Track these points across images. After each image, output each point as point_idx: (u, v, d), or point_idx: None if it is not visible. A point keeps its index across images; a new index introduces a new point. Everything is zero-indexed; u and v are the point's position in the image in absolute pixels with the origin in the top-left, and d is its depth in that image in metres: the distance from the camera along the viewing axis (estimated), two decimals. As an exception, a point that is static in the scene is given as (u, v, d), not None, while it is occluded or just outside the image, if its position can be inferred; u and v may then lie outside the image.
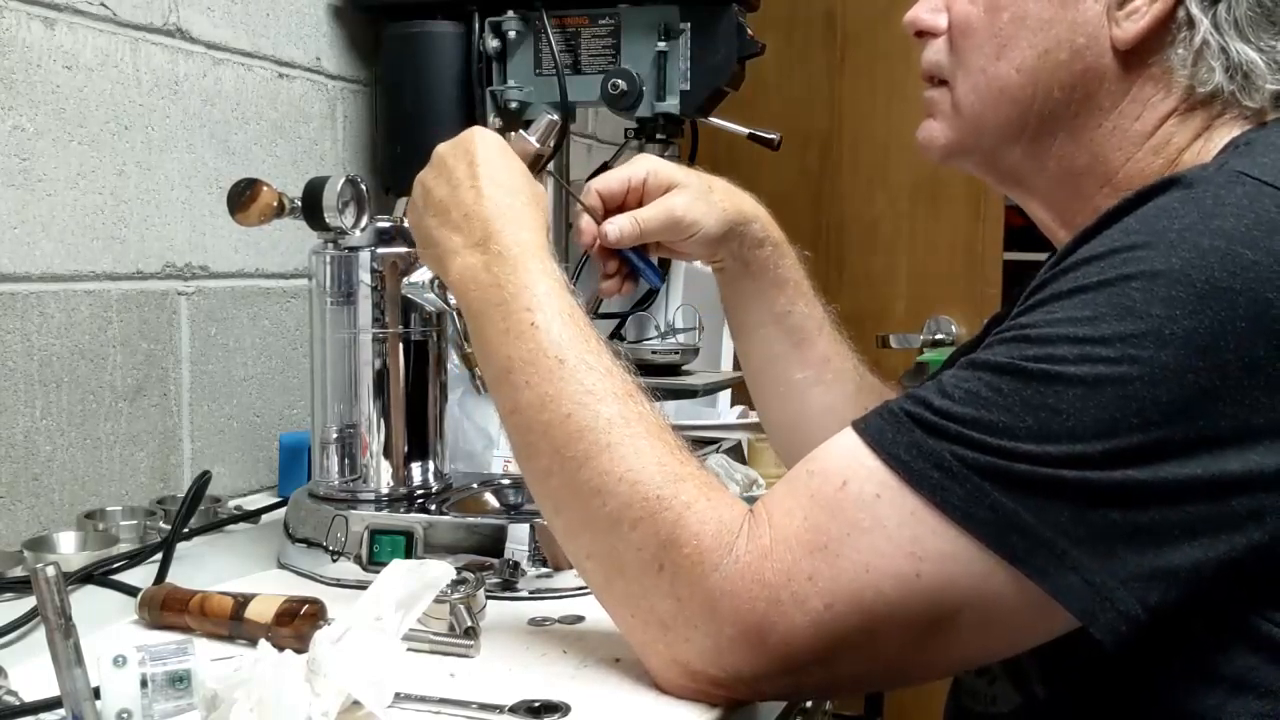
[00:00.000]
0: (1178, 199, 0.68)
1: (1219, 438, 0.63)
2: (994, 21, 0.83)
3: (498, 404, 0.83)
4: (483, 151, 0.89)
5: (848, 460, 0.69)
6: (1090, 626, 0.64)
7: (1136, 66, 0.80)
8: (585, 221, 1.00)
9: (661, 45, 1.36)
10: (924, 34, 0.88)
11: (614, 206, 1.00)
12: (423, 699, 0.74)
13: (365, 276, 1.05)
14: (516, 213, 0.86)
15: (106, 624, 0.89)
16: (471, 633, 0.84)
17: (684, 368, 1.51)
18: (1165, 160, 0.80)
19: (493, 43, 1.42)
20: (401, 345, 1.06)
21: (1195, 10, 0.78)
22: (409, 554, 1.00)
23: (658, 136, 1.39)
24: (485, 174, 0.87)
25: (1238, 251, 0.64)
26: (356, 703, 0.66)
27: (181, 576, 0.97)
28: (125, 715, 0.68)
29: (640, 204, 1.00)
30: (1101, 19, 0.80)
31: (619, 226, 0.98)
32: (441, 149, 0.91)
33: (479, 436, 1.29)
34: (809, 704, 1.22)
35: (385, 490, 1.07)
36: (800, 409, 1.11)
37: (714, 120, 1.41)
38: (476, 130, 0.92)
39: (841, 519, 0.68)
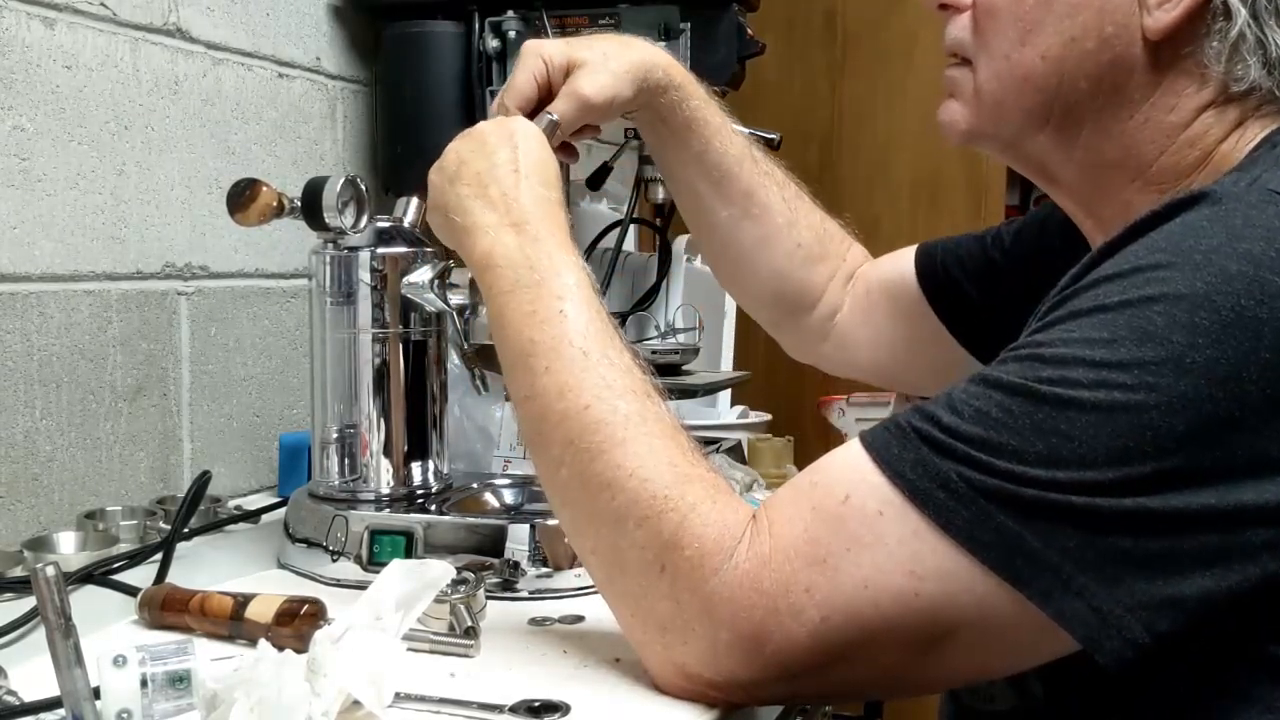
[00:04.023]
0: (1206, 216, 0.66)
1: (1235, 468, 0.61)
2: (1019, 4, 0.80)
3: (511, 388, 0.82)
4: (526, 140, 0.89)
5: (851, 473, 0.68)
6: (1095, 653, 0.62)
7: (1168, 58, 0.77)
8: None
9: (661, 45, 1.35)
10: (948, 7, 0.85)
11: (534, 109, 0.97)
12: (423, 699, 0.74)
13: (365, 276, 1.05)
14: (551, 207, 0.86)
15: (106, 624, 0.89)
16: (471, 633, 0.84)
17: (684, 368, 1.51)
18: (1201, 152, 0.78)
19: (493, 43, 1.42)
20: (401, 345, 1.06)
21: None
22: (409, 554, 1.00)
23: (658, 137, 1.38)
24: (526, 162, 0.87)
25: (1266, 279, 0.62)
26: (356, 703, 0.66)
27: (181, 576, 0.96)
28: (125, 715, 0.68)
29: (551, 94, 0.97)
30: (1132, 6, 0.77)
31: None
32: (483, 125, 0.91)
33: (479, 436, 1.29)
34: (808, 705, 1.21)
35: (385, 490, 1.06)
36: (734, 246, 1.12)
37: (714, 120, 1.41)
38: (519, 119, 0.92)
39: (842, 533, 0.66)
